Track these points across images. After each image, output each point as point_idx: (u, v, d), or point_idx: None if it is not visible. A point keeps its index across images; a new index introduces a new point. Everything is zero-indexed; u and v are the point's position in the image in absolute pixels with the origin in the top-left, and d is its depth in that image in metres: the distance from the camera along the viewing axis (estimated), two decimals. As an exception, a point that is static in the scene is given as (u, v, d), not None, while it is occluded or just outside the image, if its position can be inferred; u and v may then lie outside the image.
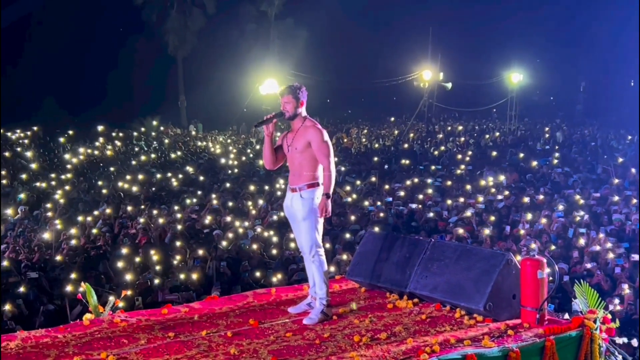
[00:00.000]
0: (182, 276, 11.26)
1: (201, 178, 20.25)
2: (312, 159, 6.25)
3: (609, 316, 6.08)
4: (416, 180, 19.69)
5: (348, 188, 18.55)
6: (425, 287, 6.52)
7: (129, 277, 11.08)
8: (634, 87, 39.04)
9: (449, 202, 16.71)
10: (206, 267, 11.92)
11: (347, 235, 13.54)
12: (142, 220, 14.71)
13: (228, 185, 19.24)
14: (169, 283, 11.09)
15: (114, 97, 37.27)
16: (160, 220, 14.82)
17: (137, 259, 12.17)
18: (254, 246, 12.90)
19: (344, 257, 11.61)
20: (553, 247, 12.74)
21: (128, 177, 20.65)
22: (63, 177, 20.49)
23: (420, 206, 16.26)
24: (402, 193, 17.82)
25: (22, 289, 10.54)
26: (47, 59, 37.49)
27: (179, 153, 27.15)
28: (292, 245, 12.42)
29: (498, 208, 16.03)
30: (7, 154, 24.73)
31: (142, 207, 16.33)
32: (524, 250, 11.75)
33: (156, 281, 11.04)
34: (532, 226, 14.11)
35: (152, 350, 5.52)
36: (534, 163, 21.78)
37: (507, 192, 17.43)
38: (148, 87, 38.09)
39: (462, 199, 16.77)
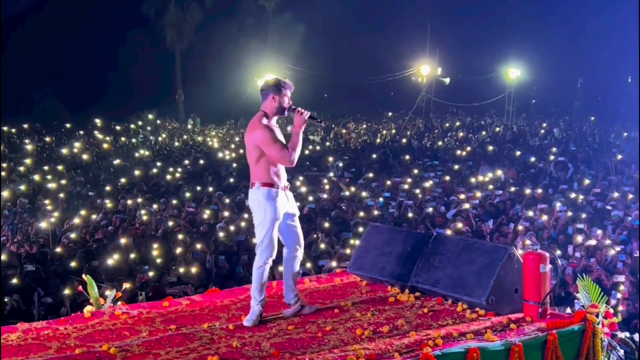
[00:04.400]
0: (181, 270, 11.23)
1: (197, 172, 20.14)
2: None
3: (611, 311, 6.09)
4: (415, 171, 19.73)
5: (348, 180, 18.61)
6: (427, 281, 6.51)
7: (128, 270, 11.05)
8: (633, 83, 38.98)
9: (450, 197, 16.69)
10: (205, 260, 11.90)
11: (347, 230, 13.50)
12: (144, 215, 14.69)
13: (232, 180, 19.16)
14: (169, 277, 11.07)
15: (112, 91, 37.10)
16: (161, 215, 14.81)
17: (136, 254, 12.14)
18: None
19: (347, 251, 11.57)
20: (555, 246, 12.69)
21: (126, 170, 20.58)
22: (60, 169, 20.41)
23: (420, 199, 16.24)
24: (405, 187, 17.81)
25: (19, 281, 10.51)
26: (45, 53, 37.34)
27: (176, 144, 27.09)
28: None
29: (494, 203, 16.00)
30: (2, 146, 24.62)
31: (141, 200, 16.27)
32: (519, 246, 11.76)
33: (150, 274, 11.01)
34: (532, 223, 14.08)
35: (154, 342, 5.52)
36: (532, 159, 21.77)
37: (513, 189, 17.33)
38: (146, 81, 37.96)
39: (462, 196, 16.72)
